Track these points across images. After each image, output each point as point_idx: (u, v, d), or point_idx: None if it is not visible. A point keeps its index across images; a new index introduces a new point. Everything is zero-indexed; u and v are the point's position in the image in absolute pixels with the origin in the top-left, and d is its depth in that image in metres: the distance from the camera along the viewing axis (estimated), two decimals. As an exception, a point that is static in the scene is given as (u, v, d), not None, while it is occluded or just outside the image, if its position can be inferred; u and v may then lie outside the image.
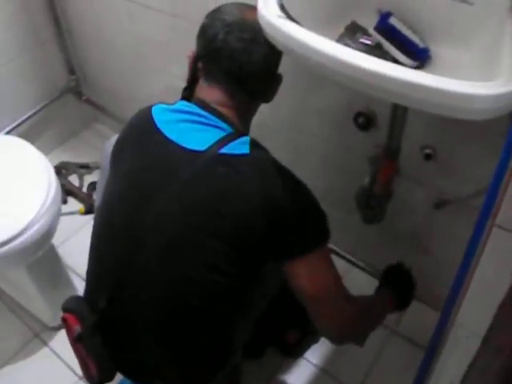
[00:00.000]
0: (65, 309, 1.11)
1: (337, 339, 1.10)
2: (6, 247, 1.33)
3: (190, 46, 1.57)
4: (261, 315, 1.15)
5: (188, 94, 1.10)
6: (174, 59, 1.72)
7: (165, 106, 1.07)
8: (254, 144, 1.00)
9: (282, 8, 0.92)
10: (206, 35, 1.04)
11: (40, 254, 1.44)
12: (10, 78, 1.98)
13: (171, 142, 0.99)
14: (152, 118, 1.04)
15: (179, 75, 1.70)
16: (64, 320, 1.10)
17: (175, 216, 0.97)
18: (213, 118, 1.01)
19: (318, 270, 0.99)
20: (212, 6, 1.35)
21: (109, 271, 1.04)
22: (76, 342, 1.08)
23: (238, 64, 1.01)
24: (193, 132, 1.00)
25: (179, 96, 1.74)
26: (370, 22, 1.04)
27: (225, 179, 0.95)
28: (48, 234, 1.42)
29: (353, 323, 1.06)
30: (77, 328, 1.06)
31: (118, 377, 1.14)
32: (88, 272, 1.13)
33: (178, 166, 0.98)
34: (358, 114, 1.28)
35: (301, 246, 0.97)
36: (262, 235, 0.95)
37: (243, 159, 0.97)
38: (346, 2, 1.05)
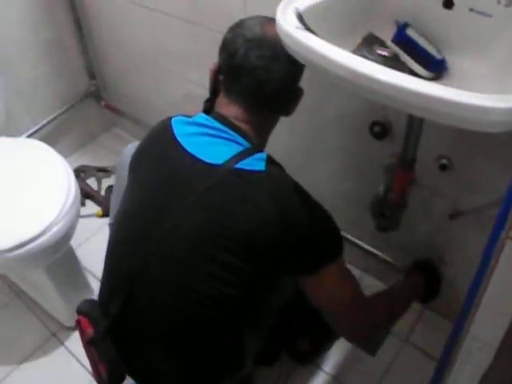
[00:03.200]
0: (79, 311, 1.13)
1: (356, 342, 1.15)
2: (26, 248, 1.35)
3: (210, 54, 1.59)
4: (273, 323, 1.16)
5: (209, 106, 1.11)
6: (192, 67, 1.74)
7: (184, 118, 1.09)
8: (270, 161, 1.01)
9: (300, 19, 0.93)
10: (227, 50, 1.06)
11: (58, 256, 1.46)
12: (34, 82, 2.03)
13: (189, 154, 1.00)
14: (171, 130, 1.06)
15: (197, 82, 1.74)
16: (78, 322, 1.12)
17: (189, 228, 0.98)
18: (231, 132, 1.02)
19: (334, 283, 1.00)
20: (233, 16, 1.37)
21: (122, 278, 1.05)
22: (88, 344, 1.10)
23: (258, 82, 1.02)
24: (210, 146, 1.01)
25: (196, 102, 1.76)
26: (387, 33, 1.05)
27: (239, 194, 0.96)
28: (67, 235, 1.44)
29: (371, 326, 1.08)
30: (89, 331, 1.08)
31: (128, 380, 1.16)
32: (103, 276, 1.14)
33: (194, 178, 0.99)
34: (374, 123, 1.29)
35: (315, 261, 0.98)
36: (275, 251, 0.96)
37: (259, 175, 0.97)
38: (363, 13, 1.06)
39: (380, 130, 1.28)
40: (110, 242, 1.14)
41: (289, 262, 0.98)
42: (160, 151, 1.07)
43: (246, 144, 1.02)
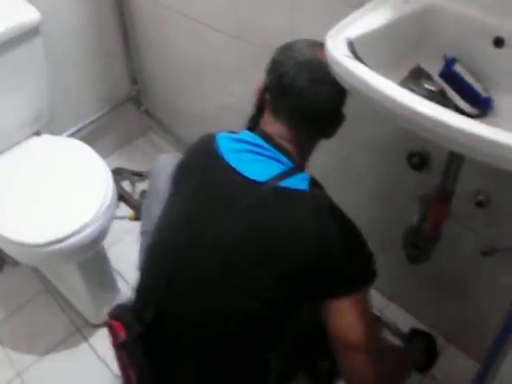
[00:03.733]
0: (111, 315, 1.13)
1: None
2: (62, 244, 1.40)
3: (251, 68, 1.63)
4: (296, 342, 1.17)
5: (253, 124, 1.14)
6: (232, 80, 1.77)
7: (229, 134, 1.11)
8: (313, 182, 1.03)
9: (351, 47, 0.95)
10: (276, 71, 1.08)
11: (91, 254, 1.50)
12: (78, 83, 2.09)
13: (233, 170, 1.02)
14: (216, 145, 1.08)
15: (235, 94, 1.77)
16: (110, 326, 1.12)
17: (229, 243, 0.99)
18: (275, 151, 1.04)
19: (355, 314, 0.99)
20: (278, 33, 1.40)
21: (159, 288, 1.06)
22: (119, 348, 1.11)
23: (305, 103, 1.05)
24: (255, 163, 1.03)
25: (232, 114, 1.80)
26: (434, 67, 1.06)
27: (282, 213, 0.98)
28: (101, 235, 1.48)
29: (373, 377, 1.03)
30: (121, 335, 1.08)
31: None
32: (139, 283, 1.15)
33: (237, 194, 1.01)
34: (413, 154, 1.30)
35: (347, 285, 0.99)
36: (311, 271, 0.97)
37: (302, 195, 0.99)
38: (412, 45, 1.08)
39: (418, 160, 1.29)
40: (148, 251, 1.15)
41: (326, 283, 0.99)
42: (204, 165, 1.09)
43: (289, 163, 1.04)
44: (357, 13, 1.03)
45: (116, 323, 1.10)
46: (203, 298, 1.02)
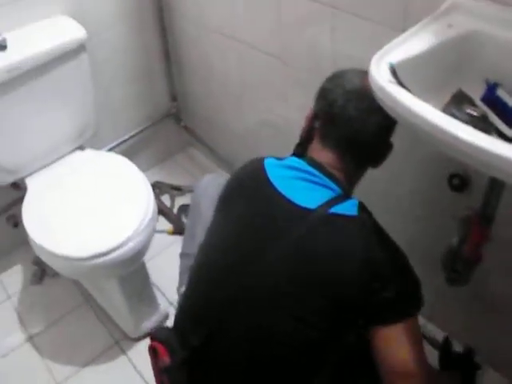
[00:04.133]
0: (154, 337, 1.12)
1: None
2: (104, 258, 1.44)
3: (291, 89, 1.65)
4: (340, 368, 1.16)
5: (301, 150, 1.16)
6: (273, 100, 1.79)
7: (276, 160, 1.12)
8: (362, 207, 1.04)
9: (394, 73, 0.96)
10: (325, 99, 1.10)
11: (132, 269, 1.54)
12: (120, 100, 2.16)
13: (283, 196, 1.03)
14: (265, 171, 1.09)
15: (276, 113, 1.79)
16: (153, 348, 1.11)
17: (279, 267, 1.00)
18: (323, 177, 1.05)
19: (405, 341, 0.97)
20: (319, 57, 1.42)
21: (207, 312, 1.06)
22: (162, 373, 1.10)
23: (353, 131, 1.07)
24: (304, 189, 1.04)
25: (271, 133, 1.82)
26: (476, 91, 1.06)
27: (332, 239, 0.99)
28: (142, 250, 1.52)
29: None
30: (165, 359, 1.07)
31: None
32: (182, 306, 1.15)
33: (288, 220, 1.02)
34: (454, 175, 1.29)
35: (395, 312, 0.98)
36: (359, 297, 0.97)
37: (352, 221, 1.00)
38: (454, 70, 1.08)
39: (459, 182, 1.29)
40: (193, 274, 1.15)
41: (373, 309, 0.99)
42: (253, 190, 1.10)
43: (337, 190, 1.05)
44: (400, 37, 1.04)
45: (160, 347, 1.09)
46: (250, 321, 1.02)
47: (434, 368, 1.15)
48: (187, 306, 1.14)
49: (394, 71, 0.96)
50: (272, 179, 1.07)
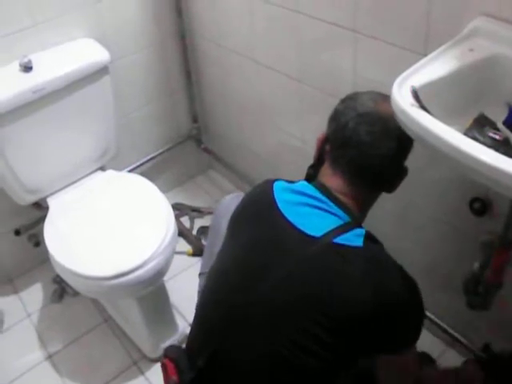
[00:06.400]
0: (167, 355, 1.13)
1: None
2: (125, 278, 1.45)
3: (310, 111, 1.66)
4: None
5: (312, 172, 1.14)
6: (292, 120, 1.81)
7: (286, 184, 1.10)
8: (369, 237, 1.01)
9: (416, 96, 0.97)
10: (337, 121, 1.08)
11: (152, 289, 1.54)
12: (141, 121, 2.19)
13: (289, 222, 1.02)
14: (273, 195, 1.07)
15: (294, 135, 1.81)
16: (164, 365, 1.12)
17: (282, 296, 0.98)
18: (332, 205, 1.03)
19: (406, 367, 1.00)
20: (340, 78, 1.43)
21: (211, 334, 1.06)
22: None
23: (365, 157, 1.04)
24: (310, 216, 1.02)
25: (290, 153, 1.82)
26: (498, 115, 1.06)
27: (335, 269, 0.96)
28: (162, 270, 1.53)
29: None
30: (174, 378, 1.08)
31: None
32: (192, 328, 1.16)
33: (292, 247, 1.00)
34: (475, 199, 1.29)
35: (400, 342, 0.99)
36: (365, 328, 0.95)
37: (356, 252, 0.97)
38: (476, 93, 1.08)
39: (480, 206, 1.28)
40: (202, 295, 1.16)
41: (380, 340, 0.98)
42: (259, 214, 1.09)
43: (345, 218, 1.02)
44: (422, 61, 1.05)
45: (170, 365, 1.10)
46: (256, 347, 1.01)
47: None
48: (195, 327, 1.14)
49: (416, 94, 0.96)
50: (279, 203, 1.05)
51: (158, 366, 1.70)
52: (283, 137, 1.89)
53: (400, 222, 1.56)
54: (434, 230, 1.49)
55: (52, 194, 1.80)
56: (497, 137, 1.00)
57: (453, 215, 1.41)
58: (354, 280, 0.95)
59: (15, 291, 2.06)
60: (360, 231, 1.00)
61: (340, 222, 1.01)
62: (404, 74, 1.02)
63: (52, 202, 1.77)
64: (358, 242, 0.98)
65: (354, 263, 0.96)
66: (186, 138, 2.36)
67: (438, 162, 1.33)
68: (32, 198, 1.79)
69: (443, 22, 1.17)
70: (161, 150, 2.29)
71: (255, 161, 2.14)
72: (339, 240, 0.97)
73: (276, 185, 1.11)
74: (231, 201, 1.37)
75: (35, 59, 1.65)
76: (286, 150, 1.92)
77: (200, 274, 1.37)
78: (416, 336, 1.02)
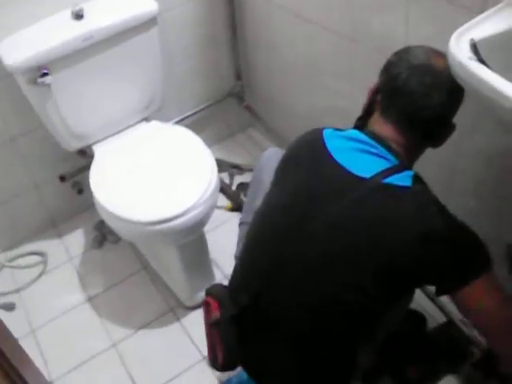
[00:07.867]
0: (209, 293, 1.19)
1: None
2: (166, 225, 1.48)
3: (362, 70, 1.63)
4: (386, 342, 1.17)
5: (361, 123, 1.15)
6: (342, 80, 1.77)
7: (336, 131, 1.13)
8: (417, 178, 1.03)
9: (474, 49, 0.95)
10: (389, 72, 1.09)
11: (192, 238, 1.58)
12: (185, 74, 2.19)
13: (339, 165, 1.05)
14: (323, 141, 1.10)
15: (345, 96, 1.78)
16: (206, 303, 1.18)
17: (333, 235, 1.02)
18: (382, 148, 1.05)
19: (479, 297, 0.98)
20: (393, 37, 1.40)
21: (259, 272, 1.10)
22: (211, 326, 1.16)
23: (415, 107, 1.05)
24: (360, 159, 1.05)
25: (337, 116, 1.80)
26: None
27: (385, 208, 0.99)
28: (203, 220, 1.55)
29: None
30: (216, 314, 1.13)
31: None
32: (238, 266, 1.20)
33: (343, 188, 1.03)
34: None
35: (455, 278, 0.98)
36: (415, 265, 0.98)
37: (404, 191, 1.00)
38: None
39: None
40: (247, 238, 1.19)
41: (425, 277, 1.01)
42: (310, 159, 1.12)
43: (394, 161, 1.04)
44: (479, 17, 1.02)
45: (212, 301, 1.15)
46: (303, 286, 1.04)
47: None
48: (240, 267, 1.18)
49: (475, 48, 0.94)
50: (330, 149, 1.08)
51: (193, 314, 1.77)
52: (330, 97, 1.87)
53: (444, 186, 1.53)
54: (480, 197, 1.46)
55: (98, 141, 1.84)
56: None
57: (499, 182, 1.38)
58: (402, 218, 0.98)
59: (59, 235, 2.13)
60: (409, 173, 1.03)
61: (389, 164, 1.03)
62: (462, 28, 0.98)
63: (98, 150, 1.81)
64: (407, 182, 1.01)
65: (403, 202, 0.99)
66: (228, 95, 2.35)
67: (487, 123, 1.31)
68: (78, 145, 1.83)
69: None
70: (203, 106, 2.29)
71: (297, 120, 2.11)
72: (388, 180, 1.00)
73: (325, 132, 1.13)
74: (273, 154, 1.38)
75: (87, 8, 1.66)
76: (331, 112, 1.90)
77: (240, 224, 1.40)
78: (476, 268, 0.99)
